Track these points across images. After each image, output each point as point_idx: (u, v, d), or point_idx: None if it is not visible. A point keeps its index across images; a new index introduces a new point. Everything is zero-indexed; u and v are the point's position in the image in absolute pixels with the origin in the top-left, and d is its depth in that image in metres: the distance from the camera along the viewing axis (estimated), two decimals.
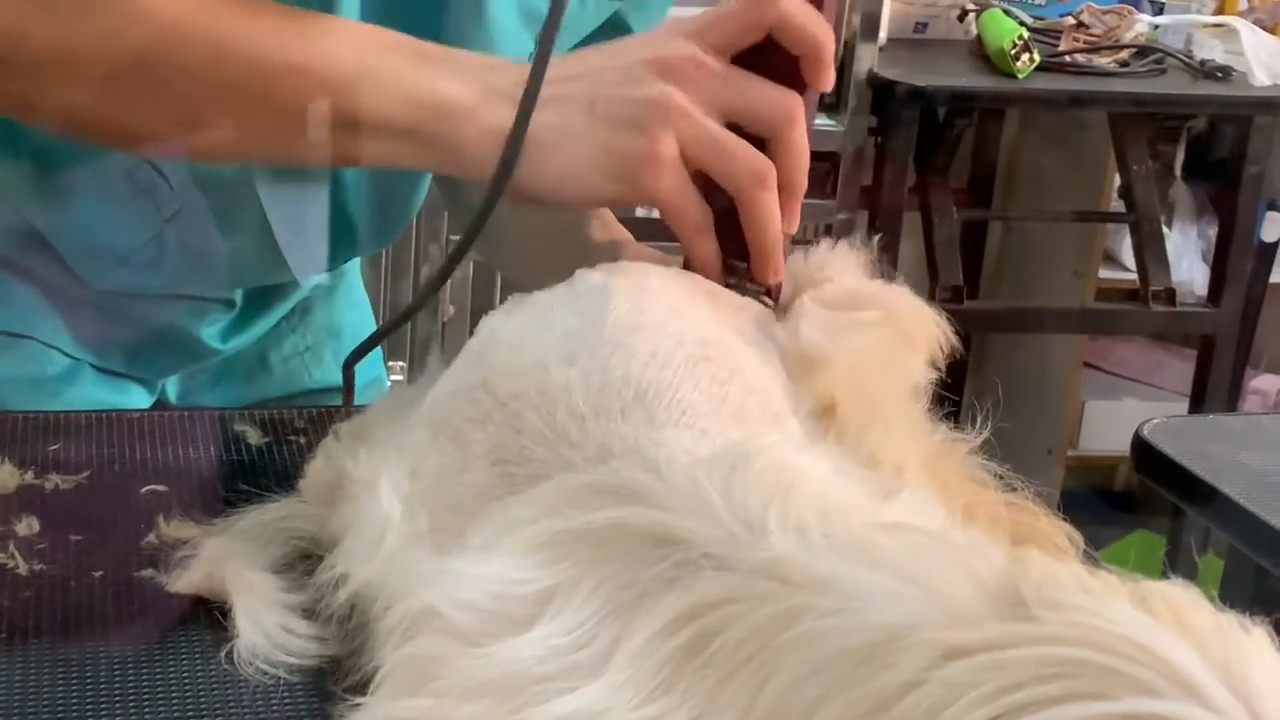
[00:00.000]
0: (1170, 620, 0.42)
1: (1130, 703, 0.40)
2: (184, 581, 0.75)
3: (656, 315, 0.68)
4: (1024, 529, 0.74)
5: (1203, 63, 2.52)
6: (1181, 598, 0.43)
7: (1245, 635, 0.42)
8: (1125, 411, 2.93)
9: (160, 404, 1.09)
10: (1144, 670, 0.40)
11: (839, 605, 0.46)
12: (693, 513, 0.54)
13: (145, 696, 0.68)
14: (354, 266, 1.19)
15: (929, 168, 2.56)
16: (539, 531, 0.57)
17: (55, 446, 0.90)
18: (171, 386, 1.11)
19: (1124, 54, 2.54)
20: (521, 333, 0.68)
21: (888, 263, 0.83)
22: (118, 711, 0.67)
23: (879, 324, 0.76)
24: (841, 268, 0.81)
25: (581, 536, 0.55)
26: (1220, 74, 2.50)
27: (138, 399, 1.07)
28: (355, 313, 1.18)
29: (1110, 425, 2.95)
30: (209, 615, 0.74)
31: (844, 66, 2.42)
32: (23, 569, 0.77)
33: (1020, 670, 0.41)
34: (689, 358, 0.65)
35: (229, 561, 0.75)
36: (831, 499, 0.55)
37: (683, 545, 0.53)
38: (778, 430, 0.67)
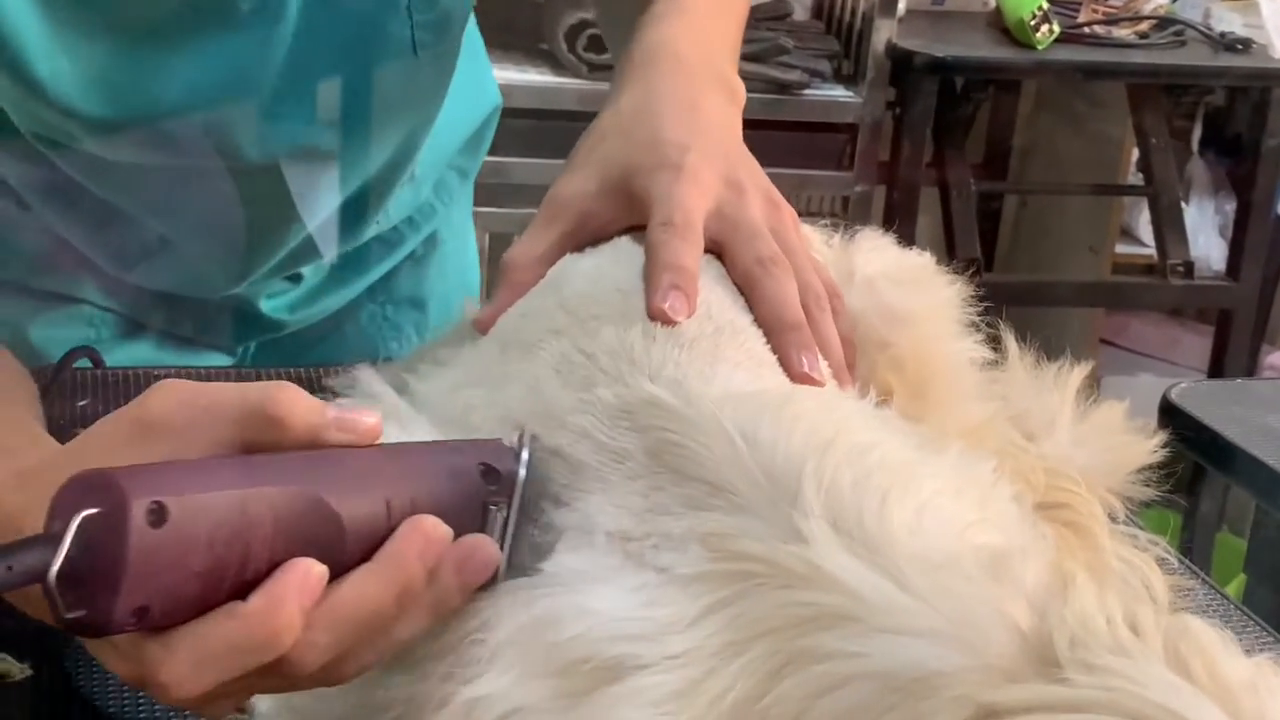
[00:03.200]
0: (1203, 676, 0.42)
1: None
2: None
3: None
4: (1059, 495, 0.74)
5: (1222, 35, 2.51)
6: (1216, 649, 0.43)
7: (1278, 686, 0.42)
8: (1142, 387, 2.91)
9: (239, 368, 1.09)
10: None
11: (875, 625, 0.46)
12: (714, 449, 0.55)
13: None
14: (457, 233, 1.16)
15: (946, 140, 2.55)
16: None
17: (83, 402, 0.91)
18: (251, 352, 1.11)
19: (1143, 26, 2.53)
20: (600, 267, 0.70)
21: (904, 236, 0.83)
22: None
23: (925, 299, 0.77)
24: (869, 251, 0.80)
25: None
26: (1240, 46, 2.49)
27: (215, 362, 1.08)
28: (448, 283, 1.15)
29: (1126, 401, 2.93)
30: None
31: (862, 38, 2.41)
32: None
33: None
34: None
35: None
36: (871, 458, 0.55)
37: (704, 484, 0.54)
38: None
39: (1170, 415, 1.11)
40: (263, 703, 0.62)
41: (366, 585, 0.51)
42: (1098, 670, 0.42)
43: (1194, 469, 1.42)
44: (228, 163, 0.90)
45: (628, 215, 0.73)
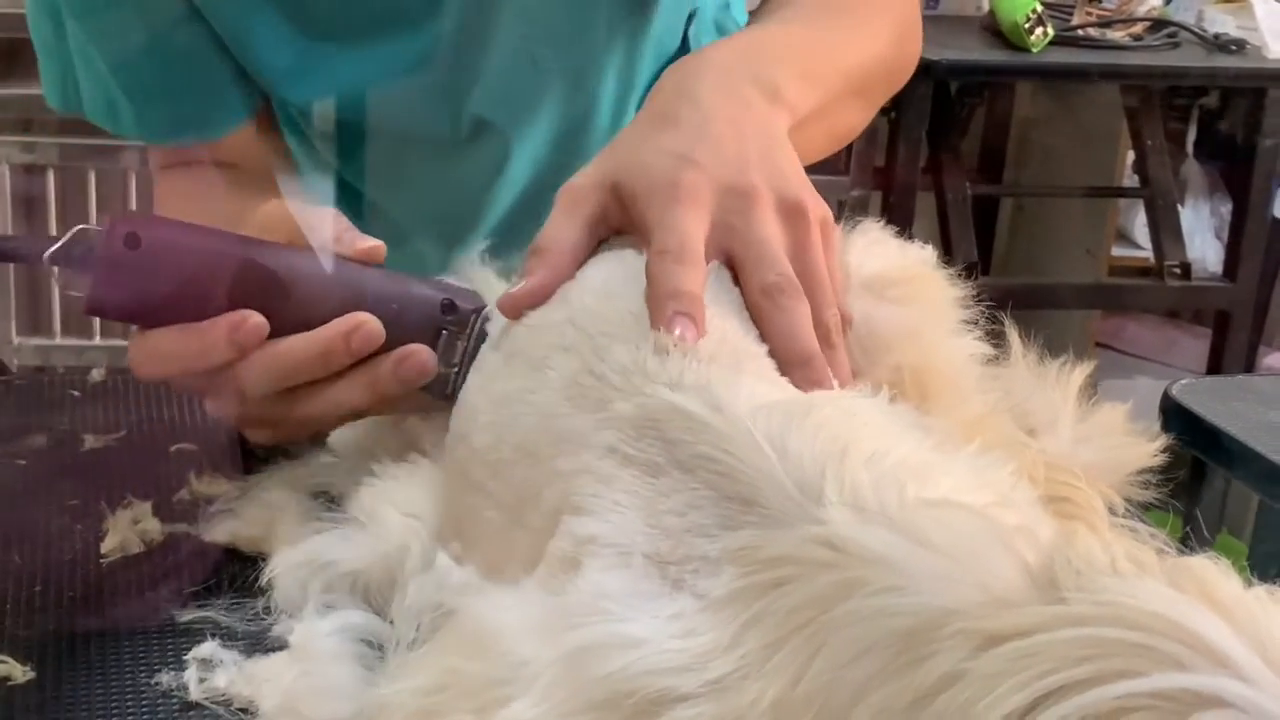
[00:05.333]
0: (1198, 594, 0.42)
1: (1161, 678, 0.39)
2: (221, 532, 0.75)
3: None
4: (1060, 489, 0.74)
5: (1216, 36, 2.51)
6: (1210, 571, 0.43)
7: (1275, 605, 0.42)
8: (1139, 390, 2.91)
9: None
10: (1173, 645, 0.40)
11: (892, 583, 0.46)
12: (748, 462, 0.54)
13: (184, 647, 0.67)
14: None
15: (942, 144, 2.55)
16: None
17: (89, 410, 0.91)
18: None
19: (1137, 28, 2.54)
20: (610, 281, 0.68)
21: (901, 239, 0.83)
22: (155, 663, 0.67)
23: (923, 299, 0.76)
24: (866, 250, 0.80)
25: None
26: (1234, 47, 2.49)
27: None
28: None
29: (1123, 404, 2.93)
30: (246, 565, 0.74)
31: None
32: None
33: (1051, 655, 0.41)
34: None
35: (265, 514, 0.75)
36: (889, 461, 0.55)
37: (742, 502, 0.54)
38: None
39: (1172, 412, 1.11)
40: (267, 701, 0.62)
41: (295, 342, 0.70)
42: (1095, 588, 0.43)
43: (1195, 468, 1.42)
44: (424, 140, 0.98)
45: (633, 229, 0.72)
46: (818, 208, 0.72)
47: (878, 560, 0.47)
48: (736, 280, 0.69)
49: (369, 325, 0.70)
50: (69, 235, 0.69)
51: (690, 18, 1.02)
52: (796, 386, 0.65)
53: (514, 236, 1.04)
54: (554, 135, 1.00)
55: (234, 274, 0.70)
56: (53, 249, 0.69)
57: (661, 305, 0.64)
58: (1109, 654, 0.40)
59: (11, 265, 2.32)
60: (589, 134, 1.00)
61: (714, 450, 0.55)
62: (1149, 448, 0.77)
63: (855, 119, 0.98)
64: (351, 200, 1.03)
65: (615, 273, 0.69)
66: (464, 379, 0.71)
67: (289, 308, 0.70)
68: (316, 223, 0.73)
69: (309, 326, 0.70)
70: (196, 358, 0.70)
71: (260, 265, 0.71)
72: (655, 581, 0.53)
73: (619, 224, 0.72)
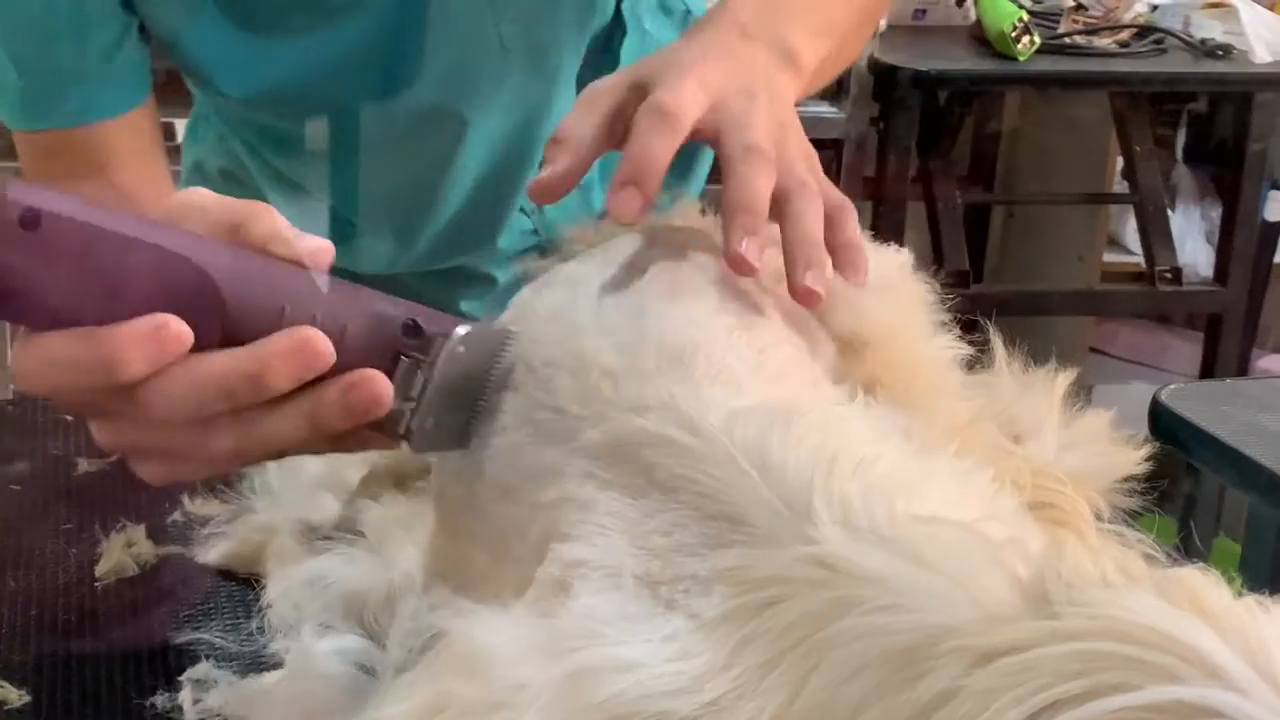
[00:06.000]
0: (1189, 605, 0.42)
1: (1155, 691, 0.39)
2: (214, 554, 0.75)
3: (695, 284, 0.66)
4: (1046, 494, 0.74)
5: (1203, 41, 2.52)
6: (1200, 583, 0.43)
7: (1265, 614, 0.42)
8: (1133, 395, 2.91)
9: None
10: (1166, 657, 0.40)
11: (887, 601, 0.46)
12: (730, 482, 0.54)
13: (178, 668, 0.68)
14: None
15: (931, 153, 2.56)
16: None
17: (83, 435, 0.91)
18: None
19: (1124, 35, 2.54)
20: (556, 305, 0.67)
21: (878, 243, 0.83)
22: (150, 684, 0.67)
23: (903, 302, 0.76)
24: None
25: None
26: (1220, 52, 2.50)
27: None
28: None
29: (1117, 409, 2.93)
30: (239, 587, 0.74)
31: None
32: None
33: (1045, 669, 0.41)
34: (726, 325, 0.65)
35: (258, 535, 0.75)
36: (875, 472, 0.55)
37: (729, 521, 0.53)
38: (816, 392, 0.66)
39: (1161, 417, 1.11)
40: None
41: (223, 358, 0.56)
42: (1087, 602, 0.43)
43: (1189, 474, 1.43)
44: (363, 130, 0.96)
45: None
46: (808, 143, 0.73)
47: (871, 578, 0.47)
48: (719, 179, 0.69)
49: (315, 342, 0.57)
50: None
51: None
52: (728, 231, 0.65)
53: (469, 226, 1.05)
54: (511, 119, 1.00)
55: (152, 268, 0.56)
56: None
57: (620, 168, 0.65)
58: (1103, 668, 0.40)
59: None
60: (547, 121, 1.01)
61: (693, 471, 0.55)
62: (1135, 455, 0.78)
63: (855, 52, 1.00)
64: (287, 189, 1.02)
65: (562, 294, 0.68)
66: (420, 418, 0.59)
67: (217, 316, 0.57)
68: (247, 216, 0.59)
69: (240, 341, 0.57)
70: (97, 369, 0.55)
71: (186, 260, 0.56)
72: (647, 602, 0.53)
73: (631, 120, 0.70)
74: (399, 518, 0.72)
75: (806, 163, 0.72)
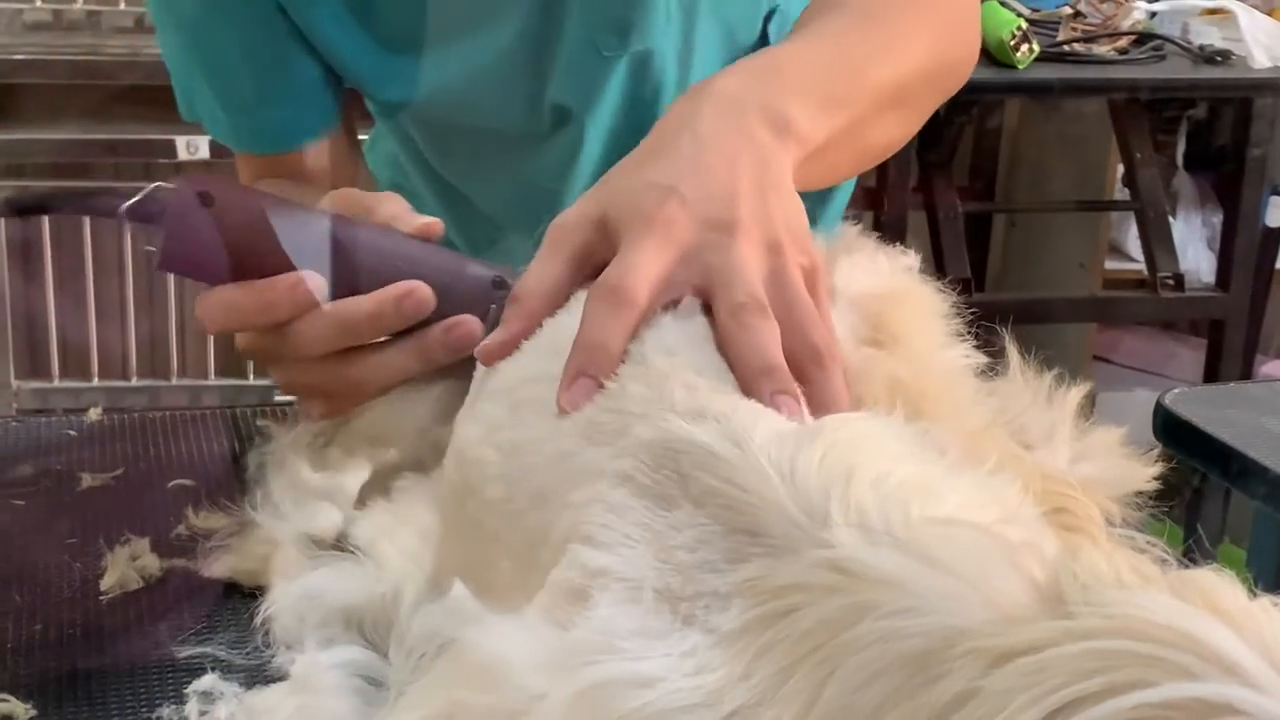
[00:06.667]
0: (1204, 605, 0.42)
1: (1172, 688, 0.39)
2: (219, 567, 0.75)
3: None
4: (1058, 500, 0.74)
5: (1201, 48, 2.52)
6: (1215, 583, 0.43)
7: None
8: (1137, 402, 2.92)
9: None
10: (1182, 654, 0.40)
11: (902, 604, 0.46)
12: (755, 494, 0.54)
13: (184, 681, 0.67)
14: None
15: (932, 163, 2.56)
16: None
17: (86, 450, 0.91)
18: None
19: (1123, 42, 2.54)
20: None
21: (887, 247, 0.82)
22: (156, 698, 0.67)
23: (914, 314, 0.76)
24: (852, 269, 0.79)
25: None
26: (1219, 58, 2.50)
27: None
28: None
29: (1122, 417, 2.92)
30: (244, 600, 0.74)
31: None
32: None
33: (1062, 669, 0.41)
34: None
35: (263, 548, 0.75)
36: (894, 480, 0.55)
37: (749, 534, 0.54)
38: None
39: (1165, 421, 1.11)
40: None
41: (350, 304, 0.74)
42: (1102, 601, 0.43)
43: (1194, 479, 1.42)
44: (505, 135, 1.04)
45: None
46: (800, 254, 0.69)
47: (886, 581, 0.47)
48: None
49: (420, 291, 0.74)
50: (145, 191, 0.73)
51: (770, 15, 1.03)
52: (762, 401, 0.62)
53: None
54: (624, 117, 1.03)
55: (298, 237, 0.74)
56: (129, 203, 0.73)
57: (572, 356, 0.63)
58: (1119, 666, 0.40)
59: (9, 309, 2.32)
60: (657, 114, 0.98)
61: (722, 484, 0.55)
62: (1147, 469, 0.77)
63: (893, 134, 0.94)
64: (444, 195, 1.10)
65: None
66: None
67: (348, 273, 0.74)
68: (377, 203, 0.78)
69: (365, 292, 0.74)
70: (259, 312, 0.74)
71: (323, 230, 0.75)
72: (665, 618, 0.52)
73: (605, 258, 0.68)
74: (383, 526, 0.72)
75: (790, 235, 0.69)
